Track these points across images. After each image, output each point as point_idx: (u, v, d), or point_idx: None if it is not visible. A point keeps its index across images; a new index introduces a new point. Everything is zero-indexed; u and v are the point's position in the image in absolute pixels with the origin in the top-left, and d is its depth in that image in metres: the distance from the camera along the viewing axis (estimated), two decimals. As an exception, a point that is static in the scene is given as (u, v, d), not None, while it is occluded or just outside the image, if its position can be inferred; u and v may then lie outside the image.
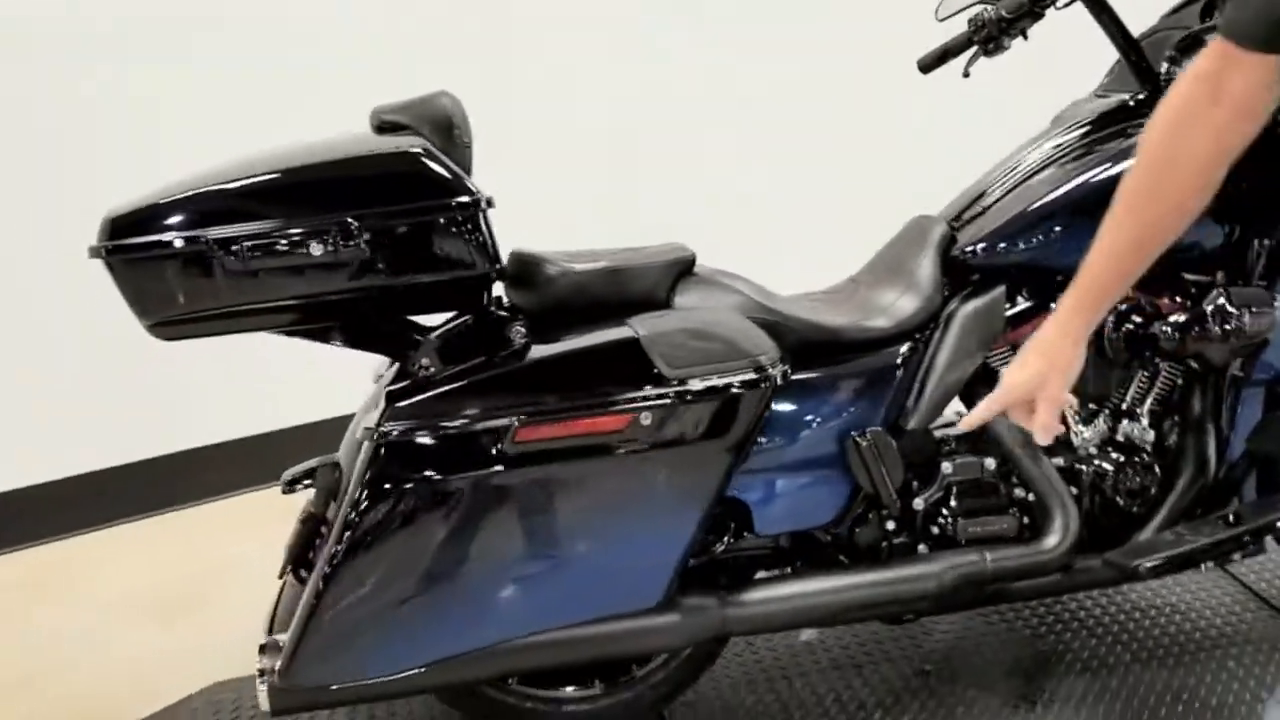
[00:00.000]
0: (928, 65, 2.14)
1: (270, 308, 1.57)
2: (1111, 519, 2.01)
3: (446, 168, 1.59)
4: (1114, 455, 2.01)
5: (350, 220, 1.53)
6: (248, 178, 1.55)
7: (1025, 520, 1.97)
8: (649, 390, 1.61)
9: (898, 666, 2.19)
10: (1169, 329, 1.91)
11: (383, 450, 1.56)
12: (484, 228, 1.60)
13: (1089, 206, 1.91)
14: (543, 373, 1.61)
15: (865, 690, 2.13)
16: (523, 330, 1.72)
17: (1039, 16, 2.02)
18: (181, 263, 1.52)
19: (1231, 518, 1.96)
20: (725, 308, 1.80)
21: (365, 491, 1.56)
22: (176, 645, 2.51)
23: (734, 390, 1.64)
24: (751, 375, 1.66)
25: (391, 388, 1.64)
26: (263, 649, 1.67)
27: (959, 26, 2.09)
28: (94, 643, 2.55)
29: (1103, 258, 1.44)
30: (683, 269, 1.86)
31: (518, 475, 1.58)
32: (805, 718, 2.06)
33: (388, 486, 1.56)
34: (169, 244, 1.50)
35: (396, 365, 1.89)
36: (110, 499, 3.09)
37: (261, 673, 1.65)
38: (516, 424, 1.56)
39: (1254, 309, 1.89)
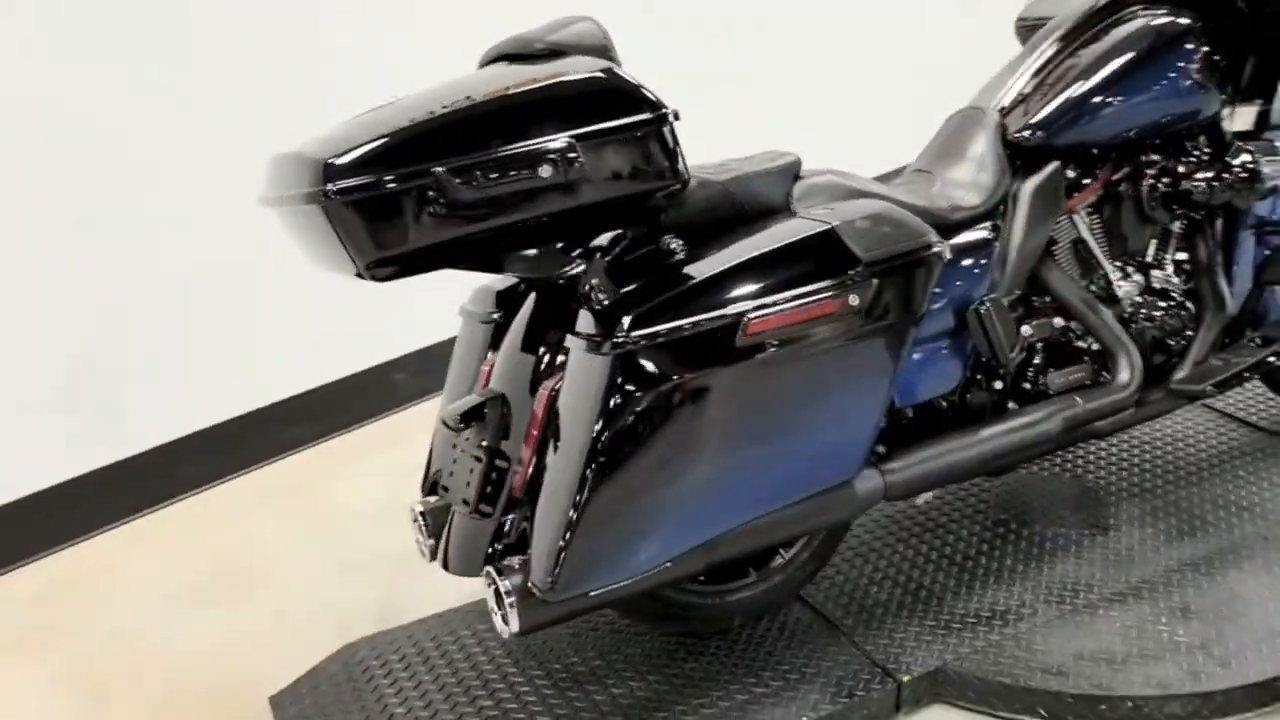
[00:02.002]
0: None
1: (494, 232, 1.58)
2: (1160, 355, 2.30)
3: (637, 84, 1.65)
4: (1155, 301, 2.30)
5: (573, 140, 1.57)
6: (460, 110, 1.55)
7: (1097, 367, 2.23)
8: (852, 273, 1.73)
9: (980, 520, 2.43)
10: (1201, 183, 2.21)
11: (623, 362, 1.62)
12: (675, 140, 1.67)
13: (1118, 88, 2.20)
14: (759, 269, 1.70)
15: (961, 544, 2.35)
16: (680, 241, 1.80)
17: None
18: (416, 196, 1.51)
19: (1259, 340, 2.30)
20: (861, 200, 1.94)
21: (612, 400, 1.61)
22: (250, 623, 2.45)
23: (916, 267, 1.80)
24: (927, 252, 1.81)
25: (599, 306, 1.69)
26: (500, 572, 1.70)
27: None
28: (174, 633, 2.46)
29: None
30: (795, 172, 1.98)
31: (750, 367, 1.67)
32: (918, 575, 2.26)
33: (633, 393, 1.62)
34: (404, 179, 1.50)
35: (531, 293, 1.94)
36: (99, 504, 2.91)
37: (508, 593, 1.68)
38: (748, 318, 1.66)
39: (1269, 158, 2.21)
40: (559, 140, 1.56)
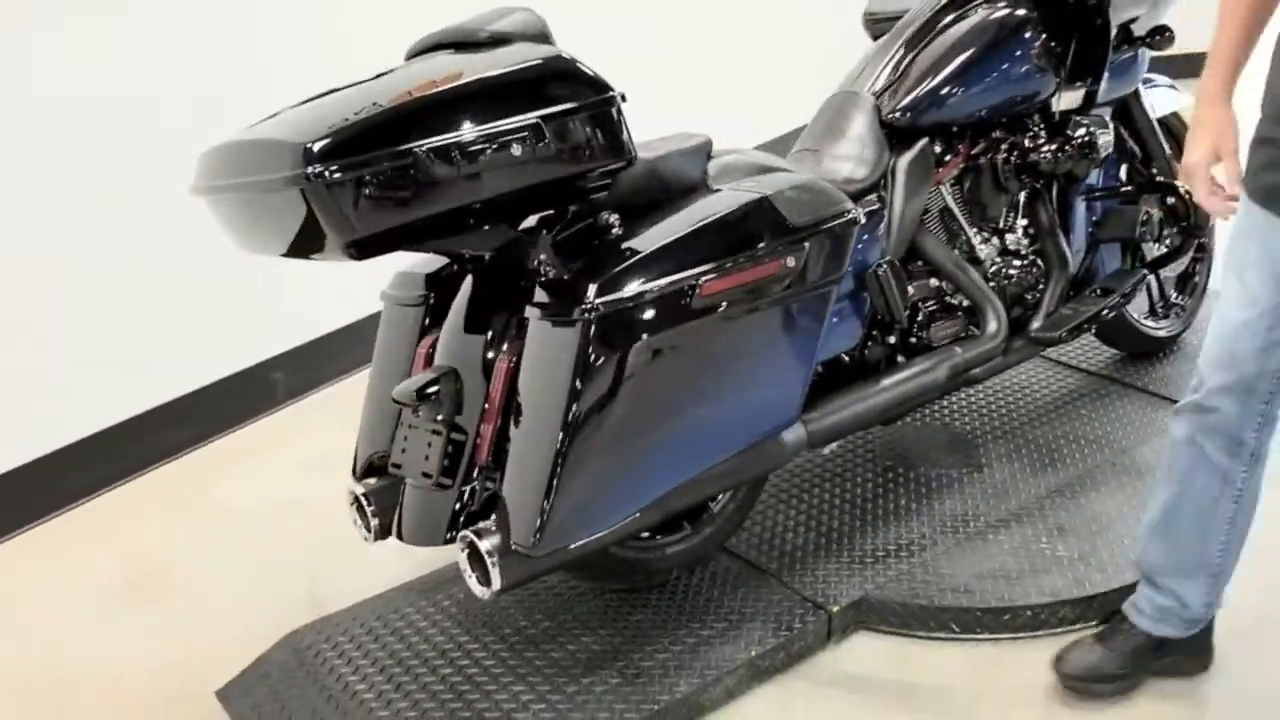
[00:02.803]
0: None
1: (464, 209, 1.66)
2: (1019, 309, 2.59)
3: (589, 68, 1.76)
4: (1011, 261, 2.59)
5: (540, 119, 1.67)
6: (436, 93, 1.63)
7: (970, 321, 2.50)
8: (788, 238, 1.90)
9: (873, 467, 2.66)
10: (1046, 155, 2.51)
11: (594, 325, 1.73)
12: (624, 119, 1.80)
13: (970, 74, 2.47)
14: (706, 237, 1.84)
15: (860, 489, 2.58)
16: (616, 216, 1.93)
17: None
18: (398, 176, 1.58)
19: (1100, 290, 2.64)
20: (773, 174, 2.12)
21: (585, 364, 1.73)
22: (176, 624, 2.42)
23: (837, 231, 1.99)
24: (846, 217, 2.01)
25: (554, 279, 1.80)
26: (479, 534, 1.78)
27: None
28: (96, 639, 2.40)
29: (1229, 45, 1.76)
30: (708, 151, 2.14)
31: (705, 325, 1.82)
32: (829, 519, 2.47)
33: (603, 357, 1.73)
34: (383, 159, 1.56)
35: (465, 273, 2.02)
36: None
37: (489, 552, 1.76)
38: (703, 281, 1.80)
39: (1102, 131, 2.54)
40: (528, 119, 1.66)
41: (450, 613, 2.24)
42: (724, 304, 1.83)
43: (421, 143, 1.59)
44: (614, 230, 1.90)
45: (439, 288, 2.11)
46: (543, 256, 1.87)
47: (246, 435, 3.26)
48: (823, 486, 2.59)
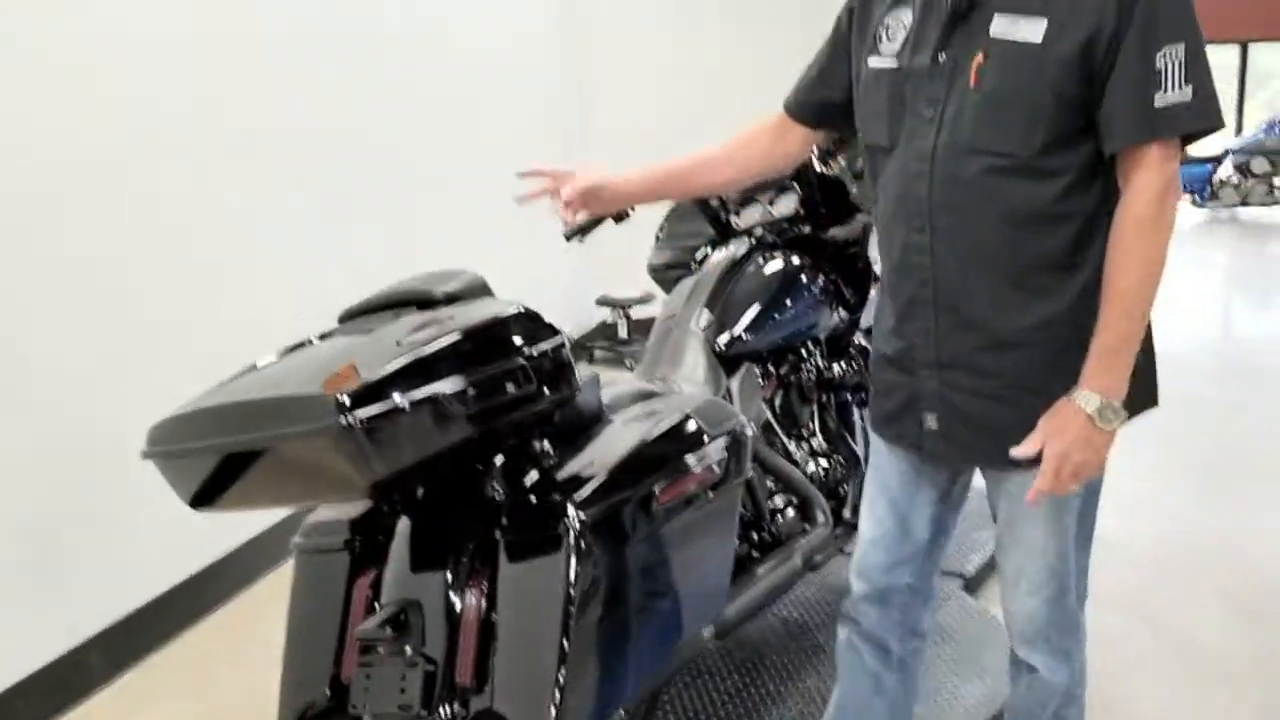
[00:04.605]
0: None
1: (461, 446, 1.85)
2: (833, 501, 3.04)
3: (543, 315, 2.04)
4: (820, 460, 3.05)
5: (524, 361, 1.92)
6: (437, 344, 1.83)
7: (807, 515, 2.90)
8: (711, 447, 2.22)
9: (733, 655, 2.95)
10: (833, 372, 3.05)
11: (579, 540, 1.94)
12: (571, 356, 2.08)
13: (769, 312, 2.98)
14: (653, 450, 2.12)
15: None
16: (549, 444, 2.17)
17: None
18: (420, 418, 1.75)
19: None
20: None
21: (575, 573, 1.92)
22: None
23: (740, 439, 2.33)
24: (743, 429, 2.36)
25: (525, 499, 2.01)
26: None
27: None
28: None
29: (1128, 346, 1.73)
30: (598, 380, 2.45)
31: (665, 526, 2.08)
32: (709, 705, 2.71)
33: (590, 563, 1.94)
34: (412, 404, 1.74)
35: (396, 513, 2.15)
36: None
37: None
38: (658, 489, 2.07)
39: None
40: (516, 362, 1.91)
41: None
42: (677, 506, 2.12)
43: (437, 387, 1.78)
44: (551, 456, 2.14)
45: (364, 531, 2.21)
46: (499, 485, 2.06)
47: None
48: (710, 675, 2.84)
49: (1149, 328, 1.80)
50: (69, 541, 3.06)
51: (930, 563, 2.14)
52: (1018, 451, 1.79)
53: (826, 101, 2.09)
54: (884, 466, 2.09)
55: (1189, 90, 1.64)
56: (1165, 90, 1.64)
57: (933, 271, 1.85)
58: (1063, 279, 1.79)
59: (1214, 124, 1.69)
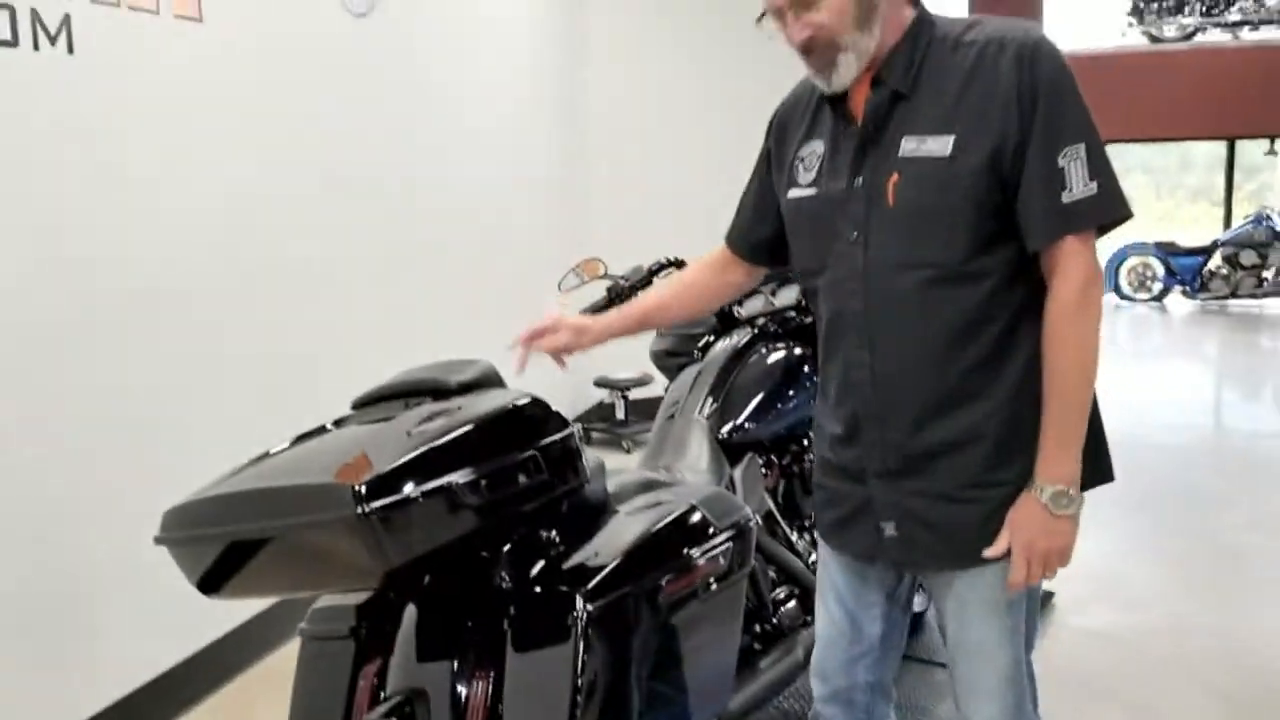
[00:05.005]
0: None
1: (480, 530, 1.87)
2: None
3: (552, 406, 2.07)
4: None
5: (536, 450, 1.94)
6: (451, 434, 1.86)
7: (804, 606, 2.90)
8: (716, 540, 2.23)
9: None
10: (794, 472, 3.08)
11: (589, 627, 1.94)
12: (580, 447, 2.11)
13: (769, 401, 3.02)
14: (660, 542, 2.14)
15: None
16: (556, 534, 2.19)
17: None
18: (434, 507, 1.77)
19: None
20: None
21: (583, 664, 1.92)
22: None
23: (746, 531, 2.35)
24: (748, 521, 2.38)
25: (532, 589, 2.01)
26: None
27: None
28: None
29: (1074, 435, 1.80)
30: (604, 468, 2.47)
31: (671, 617, 2.09)
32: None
33: (600, 648, 1.95)
34: (425, 494, 1.76)
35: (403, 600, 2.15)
36: None
37: None
38: (664, 581, 2.08)
39: None
40: (528, 452, 1.93)
41: None
42: (683, 597, 2.12)
43: (450, 478, 1.80)
44: (558, 545, 2.15)
45: (370, 617, 2.21)
46: (507, 573, 2.07)
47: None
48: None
49: (1095, 407, 1.87)
50: (67, 619, 3.04)
51: (886, 659, 2.16)
52: (990, 552, 1.86)
53: (763, 240, 2.17)
54: (831, 567, 2.12)
55: (1094, 185, 1.74)
56: (1070, 189, 1.73)
57: (874, 387, 1.91)
58: (996, 376, 1.85)
59: (1121, 213, 1.78)
